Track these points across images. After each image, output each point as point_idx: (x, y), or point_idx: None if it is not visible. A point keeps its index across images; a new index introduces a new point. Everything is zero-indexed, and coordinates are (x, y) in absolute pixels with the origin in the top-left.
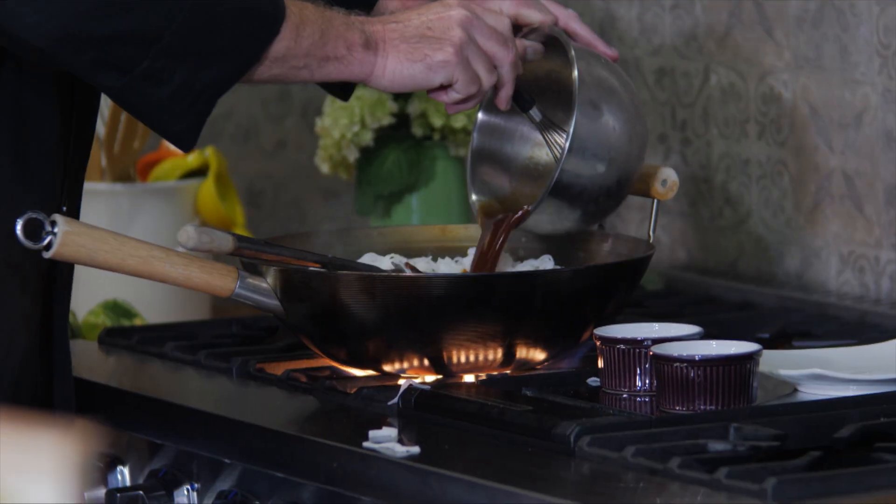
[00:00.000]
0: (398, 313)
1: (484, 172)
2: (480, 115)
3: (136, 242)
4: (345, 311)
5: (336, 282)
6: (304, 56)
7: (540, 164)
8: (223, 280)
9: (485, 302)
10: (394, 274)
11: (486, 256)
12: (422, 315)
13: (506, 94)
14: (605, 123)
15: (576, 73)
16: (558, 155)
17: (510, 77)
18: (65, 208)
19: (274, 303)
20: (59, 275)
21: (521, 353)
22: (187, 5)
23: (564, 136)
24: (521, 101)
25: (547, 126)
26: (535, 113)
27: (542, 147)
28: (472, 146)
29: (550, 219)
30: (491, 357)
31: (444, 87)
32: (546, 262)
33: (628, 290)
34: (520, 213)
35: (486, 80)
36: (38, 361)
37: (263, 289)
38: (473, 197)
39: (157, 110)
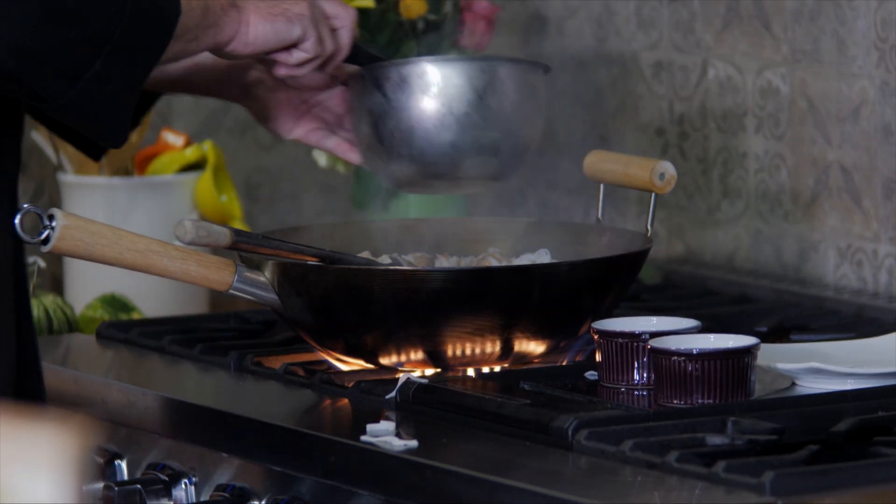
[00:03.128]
0: (396, 307)
1: None
2: None
3: (134, 236)
4: (342, 304)
5: (333, 276)
6: (194, 28)
7: None
8: (221, 274)
9: (482, 295)
10: (391, 267)
11: None
12: (419, 309)
13: (341, 58)
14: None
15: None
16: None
17: (347, 41)
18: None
19: (271, 297)
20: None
21: (519, 346)
22: (126, 2)
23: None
24: (361, 58)
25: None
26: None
27: None
28: None
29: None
30: (489, 350)
31: (288, 48)
32: (543, 256)
33: (626, 283)
34: None
35: (329, 42)
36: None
37: (261, 283)
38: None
39: (104, 110)
